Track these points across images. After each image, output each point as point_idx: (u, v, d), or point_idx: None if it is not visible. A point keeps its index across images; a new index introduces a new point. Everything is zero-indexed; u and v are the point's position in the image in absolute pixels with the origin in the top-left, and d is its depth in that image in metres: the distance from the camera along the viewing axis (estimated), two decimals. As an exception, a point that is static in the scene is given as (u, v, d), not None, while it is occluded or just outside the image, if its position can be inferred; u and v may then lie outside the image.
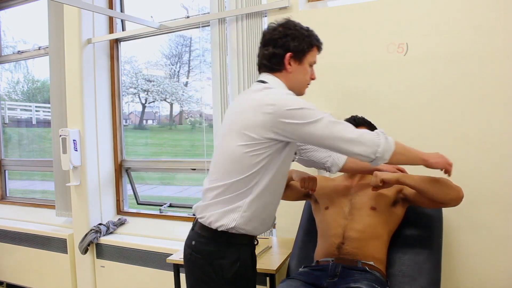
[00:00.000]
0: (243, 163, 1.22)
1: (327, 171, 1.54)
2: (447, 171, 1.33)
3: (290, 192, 1.73)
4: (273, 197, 1.33)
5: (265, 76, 1.34)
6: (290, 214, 2.04)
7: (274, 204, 1.36)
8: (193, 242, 1.32)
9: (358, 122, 1.69)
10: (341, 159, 1.54)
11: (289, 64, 1.30)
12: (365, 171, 1.57)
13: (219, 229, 1.26)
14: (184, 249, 1.37)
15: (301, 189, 1.69)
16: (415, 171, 1.54)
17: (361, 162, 1.39)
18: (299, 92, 1.35)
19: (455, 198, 1.40)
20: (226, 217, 1.25)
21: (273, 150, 1.22)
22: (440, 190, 1.39)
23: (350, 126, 1.21)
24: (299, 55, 1.31)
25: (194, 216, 1.37)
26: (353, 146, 1.18)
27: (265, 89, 1.26)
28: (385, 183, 1.45)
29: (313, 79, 1.39)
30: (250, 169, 1.22)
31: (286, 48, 1.29)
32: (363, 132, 1.21)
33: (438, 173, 1.52)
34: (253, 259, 1.38)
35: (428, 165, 1.31)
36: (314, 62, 1.37)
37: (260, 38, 1.37)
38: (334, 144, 1.19)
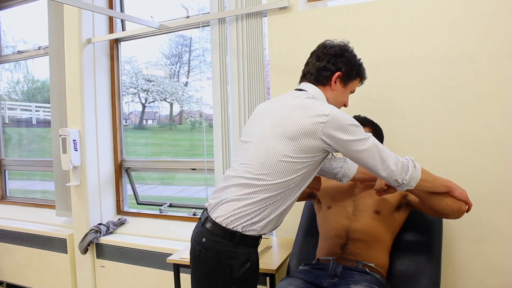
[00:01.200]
0: (283, 168, 1.23)
1: (338, 180, 1.53)
2: (468, 208, 1.38)
3: None
4: (294, 201, 1.35)
5: (306, 85, 1.38)
6: (290, 214, 2.02)
7: (285, 213, 1.37)
8: (204, 239, 1.29)
9: (361, 122, 1.67)
10: (351, 170, 1.52)
11: (335, 82, 1.36)
12: (373, 181, 1.55)
13: (234, 229, 1.25)
14: (193, 245, 1.35)
15: (305, 190, 1.69)
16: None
17: (370, 173, 1.40)
18: None
19: (457, 212, 1.39)
20: (242, 219, 1.25)
21: (315, 159, 1.26)
22: (443, 202, 1.38)
23: (387, 150, 1.25)
24: (346, 79, 1.37)
25: (205, 212, 1.34)
26: (385, 170, 1.23)
27: (313, 99, 1.29)
28: (389, 187, 1.43)
29: (345, 106, 1.45)
30: (288, 175, 1.24)
31: (338, 67, 1.35)
32: (397, 157, 1.25)
33: (435, 172, 1.52)
34: (258, 260, 1.38)
35: (452, 193, 1.36)
36: (354, 91, 1.45)
37: (314, 50, 1.42)
38: (371, 164, 1.23)
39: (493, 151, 1.73)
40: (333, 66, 1.35)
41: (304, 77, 1.41)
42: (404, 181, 1.24)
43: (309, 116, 1.22)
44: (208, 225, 1.29)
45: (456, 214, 1.41)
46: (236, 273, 1.26)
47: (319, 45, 1.43)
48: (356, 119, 1.67)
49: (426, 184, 1.30)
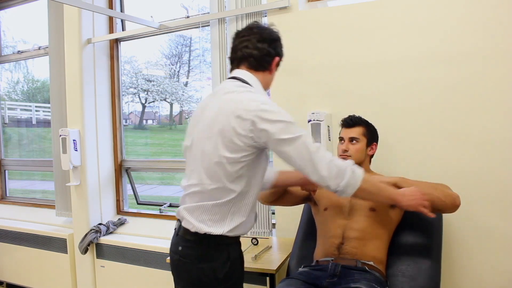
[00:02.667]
0: (225, 169, 1.20)
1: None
2: (423, 212, 1.32)
3: (289, 197, 1.72)
4: (255, 200, 1.32)
5: (243, 73, 1.30)
6: (290, 214, 2.04)
7: (255, 205, 1.34)
8: (180, 248, 1.29)
9: (354, 121, 1.69)
10: (268, 178, 1.47)
11: (275, 67, 1.34)
12: (296, 184, 1.55)
13: (206, 233, 1.24)
14: (171, 255, 1.34)
15: (300, 193, 1.70)
16: (414, 176, 1.55)
17: (292, 176, 1.46)
18: None
19: (450, 206, 1.41)
20: (211, 226, 1.23)
21: (254, 157, 1.21)
22: (437, 198, 1.40)
23: (322, 150, 1.19)
24: (279, 62, 1.35)
25: (178, 221, 1.34)
26: (316, 174, 1.17)
27: (246, 92, 1.24)
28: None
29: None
30: (232, 176, 1.21)
31: (277, 51, 1.33)
32: (332, 161, 1.18)
33: (437, 175, 1.53)
34: (241, 255, 1.36)
35: (400, 206, 1.33)
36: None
37: (246, 31, 1.32)
38: (300, 165, 1.18)
39: (492, 151, 1.73)
40: (274, 51, 1.31)
41: (243, 62, 1.31)
42: (338, 188, 1.18)
43: (237, 114, 1.17)
44: (181, 233, 1.29)
45: (451, 209, 1.43)
46: (220, 274, 1.25)
47: (250, 27, 1.34)
48: (351, 119, 1.69)
49: (366, 195, 1.26)
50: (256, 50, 1.29)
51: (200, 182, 1.25)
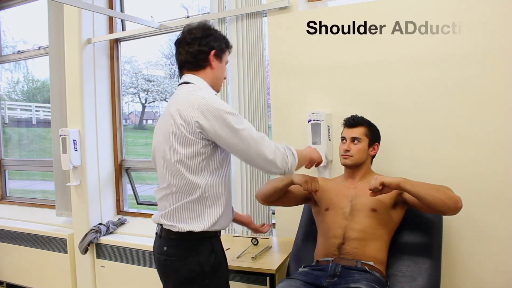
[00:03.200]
0: (186, 165, 1.28)
1: None
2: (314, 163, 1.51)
3: (290, 197, 1.73)
4: (229, 192, 1.40)
5: (189, 77, 1.40)
6: (289, 214, 2.04)
7: (230, 199, 1.44)
8: (165, 248, 1.35)
9: (357, 121, 1.69)
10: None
11: (213, 61, 1.39)
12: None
13: (187, 231, 1.31)
14: (157, 257, 1.40)
15: (301, 193, 1.71)
16: (414, 176, 1.54)
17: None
18: (217, 89, 1.45)
19: (453, 208, 1.40)
20: (192, 223, 1.31)
21: (210, 148, 1.30)
22: (438, 199, 1.39)
23: (267, 141, 1.29)
24: (220, 54, 1.41)
25: (158, 225, 1.41)
26: (262, 161, 1.29)
27: (190, 91, 1.33)
28: (384, 187, 1.43)
29: (225, 78, 1.49)
30: (195, 170, 1.29)
31: (210, 46, 1.38)
32: (276, 147, 1.30)
33: (437, 175, 1.53)
34: (223, 249, 1.44)
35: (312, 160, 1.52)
36: (227, 62, 1.48)
37: (179, 39, 1.42)
38: (245, 154, 1.29)
39: (493, 151, 1.73)
40: (206, 47, 1.38)
41: (183, 68, 1.42)
42: (287, 171, 1.32)
43: (181, 111, 1.27)
44: (164, 234, 1.36)
45: (452, 211, 1.42)
46: (206, 267, 1.31)
47: (183, 32, 1.42)
48: (353, 119, 1.70)
49: (299, 165, 1.39)
50: (188, 54, 1.38)
51: (168, 184, 1.34)
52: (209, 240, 1.34)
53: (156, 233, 1.41)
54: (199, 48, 1.37)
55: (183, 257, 1.31)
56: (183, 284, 1.34)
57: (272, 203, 1.75)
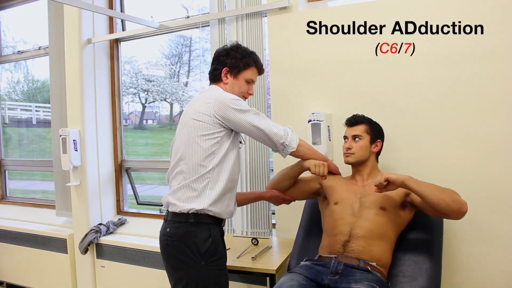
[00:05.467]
0: (200, 145, 1.48)
1: None
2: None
3: (300, 187, 1.77)
4: (231, 183, 1.56)
5: (212, 86, 1.66)
6: (290, 214, 2.04)
7: (232, 190, 1.59)
8: (168, 229, 1.53)
9: (357, 120, 1.71)
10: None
11: (226, 77, 1.62)
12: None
13: (190, 212, 1.47)
14: (160, 239, 1.57)
15: (312, 186, 1.77)
16: (419, 177, 1.54)
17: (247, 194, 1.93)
18: None
19: (457, 211, 1.40)
20: (193, 202, 1.48)
21: (223, 135, 1.50)
22: (442, 201, 1.38)
23: (269, 121, 1.56)
24: (234, 71, 1.62)
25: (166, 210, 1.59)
26: (270, 136, 1.53)
27: (214, 91, 1.58)
28: (389, 183, 1.43)
29: (250, 94, 1.69)
30: (206, 152, 1.48)
31: (223, 64, 1.62)
32: (276, 126, 1.55)
33: (437, 175, 1.52)
34: (222, 239, 1.59)
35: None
36: (252, 80, 1.67)
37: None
38: (256, 133, 1.53)
39: (493, 151, 1.73)
40: (219, 64, 1.62)
41: (210, 81, 1.69)
42: (286, 143, 1.55)
43: (205, 99, 1.52)
44: (169, 217, 1.55)
45: (457, 214, 1.41)
46: (202, 248, 1.46)
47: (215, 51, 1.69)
48: (354, 117, 1.72)
49: (305, 150, 1.62)
50: (210, 69, 1.68)
51: (180, 160, 1.52)
52: (207, 226, 1.49)
53: (164, 218, 1.60)
54: (215, 66, 1.64)
55: (182, 238, 1.48)
56: (181, 262, 1.49)
57: (285, 190, 1.80)
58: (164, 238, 1.54)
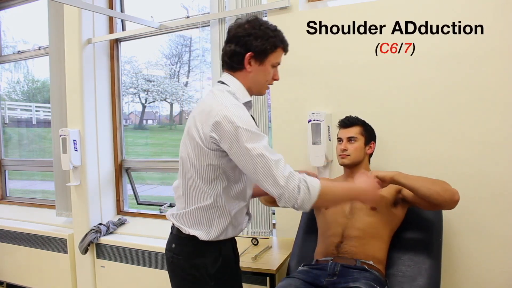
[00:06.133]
0: (198, 172, 1.22)
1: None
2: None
3: None
4: (243, 202, 1.32)
5: (225, 77, 1.30)
6: (290, 214, 2.03)
7: (242, 209, 1.33)
8: (173, 245, 1.33)
9: (351, 121, 1.71)
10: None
11: (249, 64, 1.26)
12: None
13: (195, 235, 1.27)
14: (166, 253, 1.37)
15: None
16: (413, 172, 1.54)
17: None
18: (258, 92, 1.34)
19: (449, 201, 1.41)
20: (200, 230, 1.26)
21: (226, 160, 1.20)
22: (434, 191, 1.39)
23: (281, 165, 1.14)
24: (261, 56, 1.26)
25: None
26: (276, 188, 1.13)
27: (218, 97, 1.22)
28: (380, 181, 1.44)
29: (276, 79, 1.35)
30: (207, 178, 1.22)
31: (247, 47, 1.24)
32: (291, 174, 1.13)
33: (437, 175, 1.52)
34: (235, 254, 1.39)
35: (366, 204, 1.39)
36: (278, 63, 1.32)
37: (227, 34, 1.31)
38: (261, 179, 1.13)
39: (491, 151, 1.73)
40: (242, 48, 1.24)
41: (223, 66, 1.32)
42: (296, 206, 1.14)
43: (205, 115, 1.18)
44: (174, 231, 1.34)
45: (449, 204, 1.42)
46: (211, 269, 1.27)
47: (229, 27, 1.32)
48: (348, 119, 1.71)
49: (326, 203, 1.28)
50: (225, 53, 1.29)
51: (181, 185, 1.29)
52: (217, 244, 1.29)
53: (171, 228, 1.39)
54: (234, 49, 1.25)
55: (189, 257, 1.28)
56: (187, 282, 1.31)
57: (275, 203, 1.75)
58: (170, 254, 1.34)
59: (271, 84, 1.36)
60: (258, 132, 1.16)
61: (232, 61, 1.27)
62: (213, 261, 1.28)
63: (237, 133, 1.12)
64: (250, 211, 1.43)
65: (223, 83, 1.29)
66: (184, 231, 1.28)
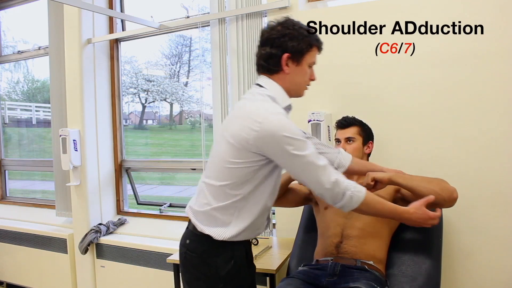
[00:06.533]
0: (233, 174, 1.21)
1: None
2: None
3: (291, 197, 1.73)
4: (265, 207, 1.31)
5: (263, 80, 1.30)
6: (290, 214, 2.04)
7: (264, 213, 1.32)
8: (187, 241, 1.33)
9: (349, 122, 1.70)
10: (346, 160, 1.52)
11: (286, 65, 1.25)
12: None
13: (210, 234, 1.26)
14: (180, 247, 1.37)
15: (302, 193, 1.72)
16: (412, 171, 1.54)
17: (366, 165, 1.48)
18: (297, 94, 1.33)
19: (448, 199, 1.40)
20: (216, 229, 1.26)
21: (261, 166, 1.21)
22: (432, 191, 1.38)
23: (328, 168, 1.19)
24: (297, 56, 1.26)
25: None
26: (322, 191, 1.19)
27: (260, 101, 1.23)
28: (377, 183, 1.44)
29: (312, 79, 1.34)
30: (241, 181, 1.22)
31: (283, 48, 1.24)
32: (337, 181, 1.18)
33: (437, 175, 1.52)
34: (248, 257, 1.38)
35: (408, 224, 1.33)
36: (314, 63, 1.32)
37: (259, 37, 1.32)
38: (308, 182, 1.20)
39: (491, 151, 1.73)
40: (278, 49, 1.24)
41: (258, 69, 1.32)
42: (338, 205, 1.21)
43: (247, 121, 1.17)
44: (190, 227, 1.33)
45: (448, 202, 1.42)
46: (222, 271, 1.26)
47: (261, 30, 1.33)
48: (345, 120, 1.70)
49: (368, 211, 1.27)
50: (260, 56, 1.29)
51: (209, 180, 1.27)
52: (230, 245, 1.28)
53: (187, 222, 1.39)
54: (270, 51, 1.25)
55: (201, 256, 1.28)
56: (197, 281, 1.31)
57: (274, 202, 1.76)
58: (184, 250, 1.33)
59: (309, 85, 1.35)
60: (304, 139, 1.17)
61: (269, 63, 1.26)
62: (224, 263, 1.27)
63: (285, 142, 1.14)
64: (270, 216, 1.42)
65: (261, 86, 1.28)
66: (199, 229, 1.27)
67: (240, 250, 1.31)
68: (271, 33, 1.26)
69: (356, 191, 1.20)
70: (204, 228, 1.27)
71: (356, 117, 1.75)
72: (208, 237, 1.26)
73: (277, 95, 1.26)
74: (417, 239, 1.63)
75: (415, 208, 1.27)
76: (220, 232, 1.25)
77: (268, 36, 1.26)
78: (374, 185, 1.44)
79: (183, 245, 1.35)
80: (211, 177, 1.27)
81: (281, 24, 1.26)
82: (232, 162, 1.20)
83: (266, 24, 1.31)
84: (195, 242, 1.30)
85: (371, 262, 1.47)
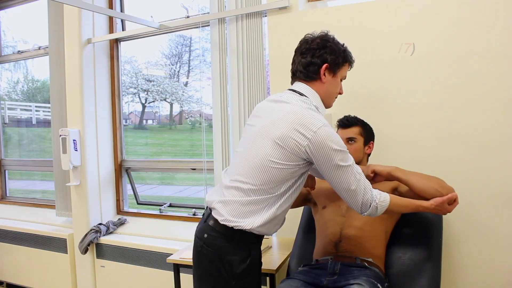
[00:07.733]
0: (273, 174, 1.27)
1: None
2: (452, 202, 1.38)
3: None
4: (291, 203, 1.38)
5: (299, 85, 1.38)
6: (290, 214, 2.02)
7: (285, 212, 1.39)
8: (205, 235, 1.33)
9: (351, 121, 1.70)
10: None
11: (324, 75, 1.35)
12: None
13: (235, 228, 1.28)
14: (195, 240, 1.38)
15: (300, 194, 1.70)
16: (408, 168, 1.54)
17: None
18: (328, 104, 1.41)
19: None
20: (245, 219, 1.28)
21: (301, 167, 1.29)
22: (431, 187, 1.40)
23: (363, 180, 1.28)
24: (334, 68, 1.36)
25: (208, 209, 1.39)
26: (352, 200, 1.29)
27: (307, 109, 1.29)
28: (376, 175, 1.45)
29: (340, 93, 1.44)
30: (279, 180, 1.28)
31: (323, 59, 1.34)
32: (364, 197, 1.27)
33: (437, 174, 1.52)
34: (260, 257, 1.42)
35: (429, 211, 1.39)
36: (345, 77, 1.43)
37: (296, 49, 1.41)
38: (341, 191, 1.29)
39: (491, 151, 1.73)
40: (318, 59, 1.35)
41: (295, 76, 1.41)
42: (364, 214, 1.30)
43: (297, 126, 1.24)
44: (210, 222, 1.34)
45: None
46: (236, 269, 1.30)
47: (300, 41, 1.42)
48: (347, 119, 1.71)
49: (392, 211, 1.35)
50: (299, 64, 1.38)
51: (244, 180, 1.30)
52: (248, 245, 1.33)
53: (203, 215, 1.42)
54: (311, 60, 1.35)
55: (218, 252, 1.31)
56: (210, 276, 1.33)
57: None
58: (200, 243, 1.35)
59: (336, 97, 1.45)
60: (347, 151, 1.28)
61: (308, 70, 1.36)
62: (240, 261, 1.30)
63: (333, 153, 1.23)
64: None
65: (301, 93, 1.36)
66: (222, 221, 1.29)
67: (256, 250, 1.36)
68: (312, 44, 1.36)
69: (381, 201, 1.29)
70: (233, 219, 1.28)
71: (357, 116, 1.75)
72: (228, 233, 1.29)
73: (319, 105, 1.37)
74: (417, 239, 1.63)
75: (436, 205, 1.35)
76: (249, 223, 1.28)
77: (308, 47, 1.36)
78: (373, 177, 1.45)
79: (200, 238, 1.35)
80: (246, 175, 1.30)
81: (321, 38, 1.38)
82: (276, 162, 1.26)
83: (305, 37, 1.42)
84: (214, 238, 1.31)
85: (370, 259, 1.48)
